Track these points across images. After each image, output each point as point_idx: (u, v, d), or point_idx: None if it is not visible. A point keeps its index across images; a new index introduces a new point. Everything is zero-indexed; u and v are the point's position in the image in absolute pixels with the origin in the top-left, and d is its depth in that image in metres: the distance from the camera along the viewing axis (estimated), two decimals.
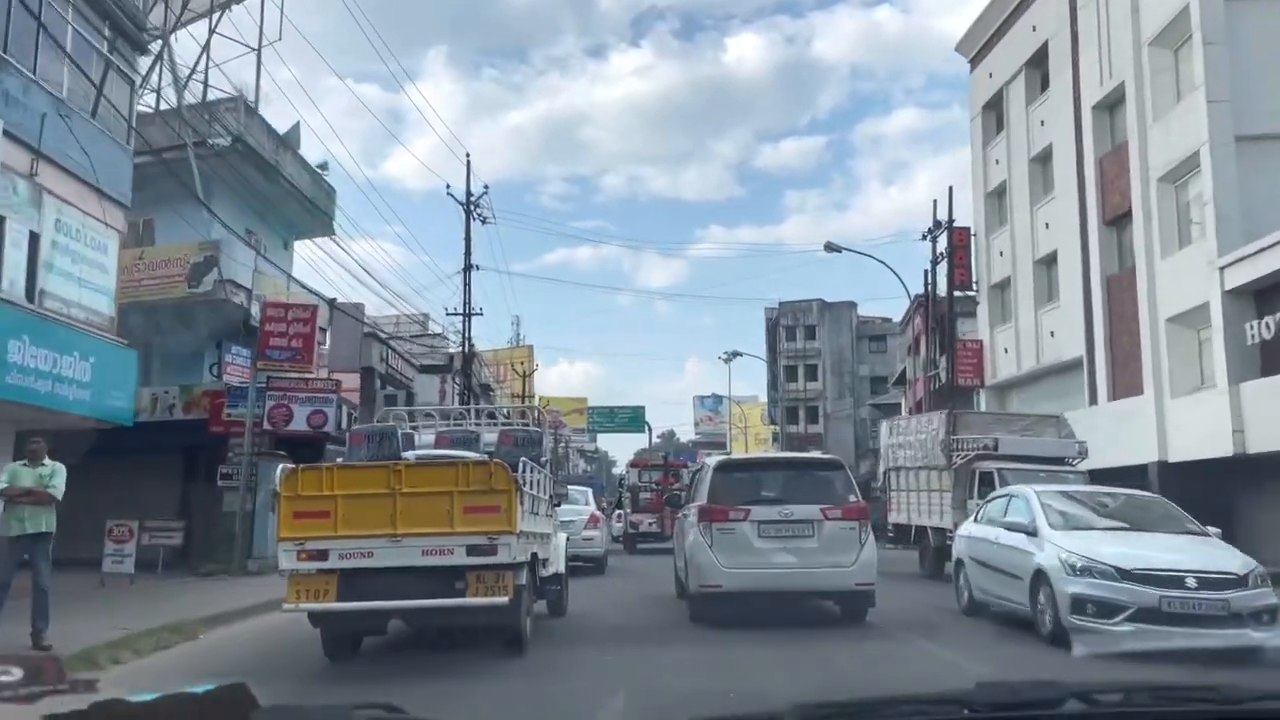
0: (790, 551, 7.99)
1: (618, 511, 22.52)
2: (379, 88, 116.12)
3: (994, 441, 12.99)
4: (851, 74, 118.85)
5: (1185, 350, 16.37)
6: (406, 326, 25.27)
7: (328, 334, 16.55)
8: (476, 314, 25.11)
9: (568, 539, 9.98)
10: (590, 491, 17.16)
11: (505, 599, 6.04)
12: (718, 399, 63.73)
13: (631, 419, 49.46)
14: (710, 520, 8.13)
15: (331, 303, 16.81)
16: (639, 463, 25.70)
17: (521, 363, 37.83)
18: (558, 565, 8.78)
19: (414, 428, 9.13)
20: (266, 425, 13.82)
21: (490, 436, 8.59)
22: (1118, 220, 18.78)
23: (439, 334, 27.03)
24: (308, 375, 14.42)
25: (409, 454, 7.42)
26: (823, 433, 54.93)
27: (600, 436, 79.74)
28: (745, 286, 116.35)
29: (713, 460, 9.45)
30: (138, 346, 11.79)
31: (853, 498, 8.34)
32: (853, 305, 58.67)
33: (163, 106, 15.28)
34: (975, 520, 9.30)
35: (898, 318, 44.43)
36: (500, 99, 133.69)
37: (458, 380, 24.54)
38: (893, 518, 15.57)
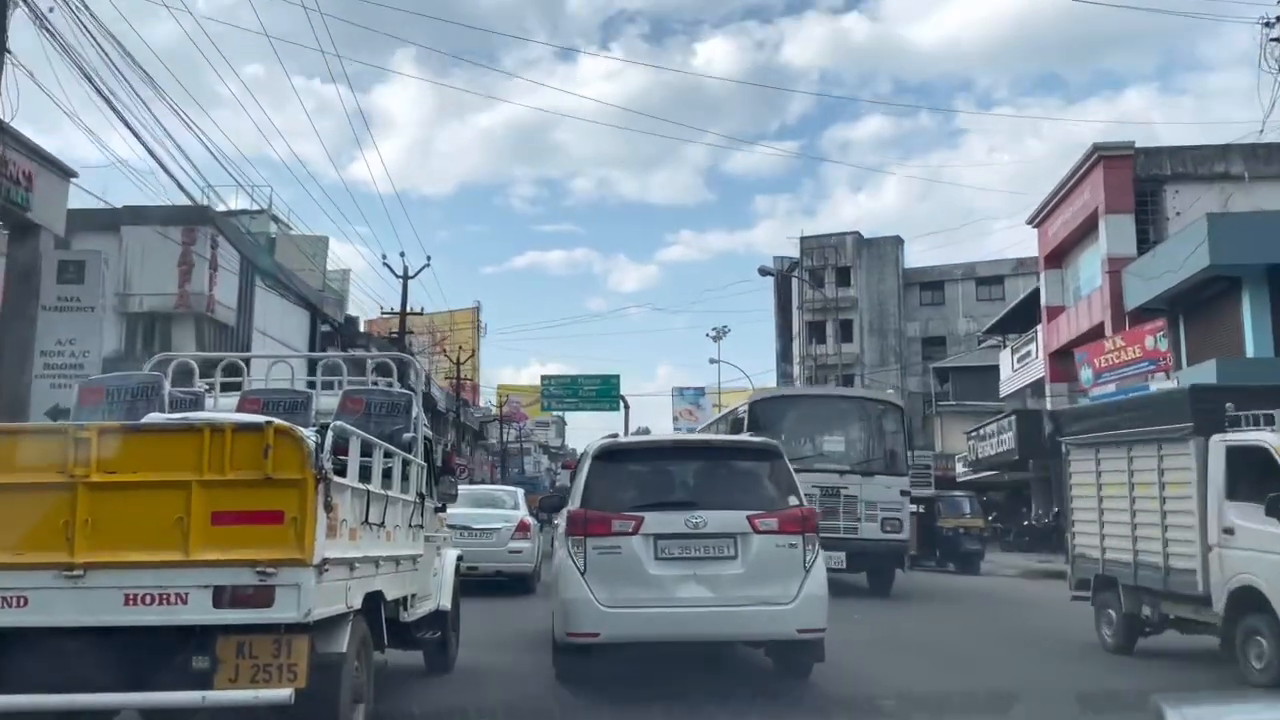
0: (702, 581, 6.84)
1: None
2: (346, 87, 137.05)
3: None
4: (821, 80, 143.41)
5: None
6: None
7: None
8: None
9: (478, 552, 8.68)
10: (520, 493, 16.56)
11: (288, 691, 4.11)
12: (699, 390, 65.01)
13: (602, 391, 46.83)
14: (584, 534, 6.90)
15: None
16: (570, 464, 27.77)
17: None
18: (439, 600, 7.25)
19: (208, 385, 7.38)
20: None
21: (330, 401, 6.87)
22: None
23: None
24: None
25: (151, 417, 5.42)
26: None
27: (569, 431, 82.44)
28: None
29: (595, 445, 7.99)
30: None
31: (794, 499, 7.20)
32: (898, 241, 57.37)
33: None
34: None
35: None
36: (469, 101, 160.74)
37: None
38: None
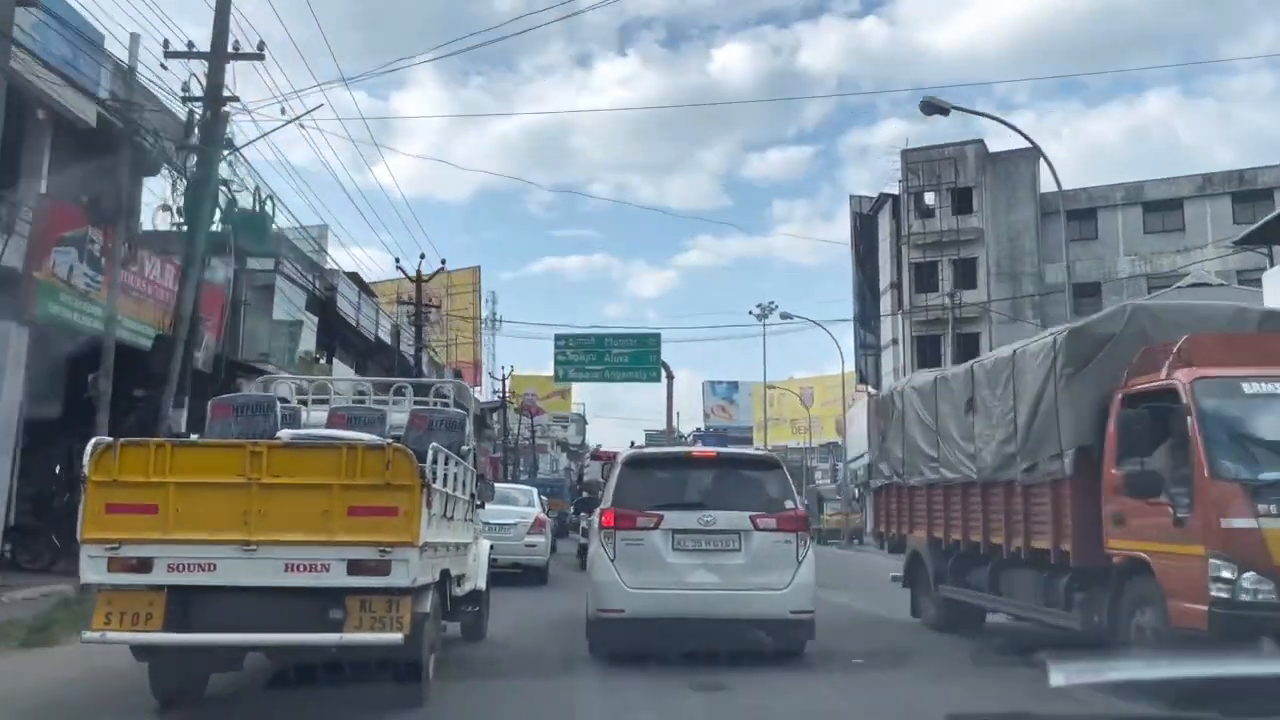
0: (711, 569, 10.91)
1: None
2: (365, 94, 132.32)
3: None
4: (838, 85, 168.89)
5: None
6: None
7: None
8: None
9: (497, 546, 13.54)
10: (535, 491, 23.18)
11: (399, 635, 7.88)
12: (733, 385, 74.17)
13: (637, 357, 46.81)
14: (614, 528, 11.10)
15: None
16: (602, 455, 31.42)
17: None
18: (477, 581, 11.39)
19: (301, 402, 11.57)
20: None
21: (399, 417, 10.86)
22: None
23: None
24: None
25: (283, 433, 9.35)
26: None
27: (590, 430, 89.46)
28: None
29: (625, 455, 12.87)
30: None
31: (790, 504, 11.35)
32: (1034, 156, 57.48)
33: None
34: None
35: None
36: (488, 107, 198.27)
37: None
38: None
